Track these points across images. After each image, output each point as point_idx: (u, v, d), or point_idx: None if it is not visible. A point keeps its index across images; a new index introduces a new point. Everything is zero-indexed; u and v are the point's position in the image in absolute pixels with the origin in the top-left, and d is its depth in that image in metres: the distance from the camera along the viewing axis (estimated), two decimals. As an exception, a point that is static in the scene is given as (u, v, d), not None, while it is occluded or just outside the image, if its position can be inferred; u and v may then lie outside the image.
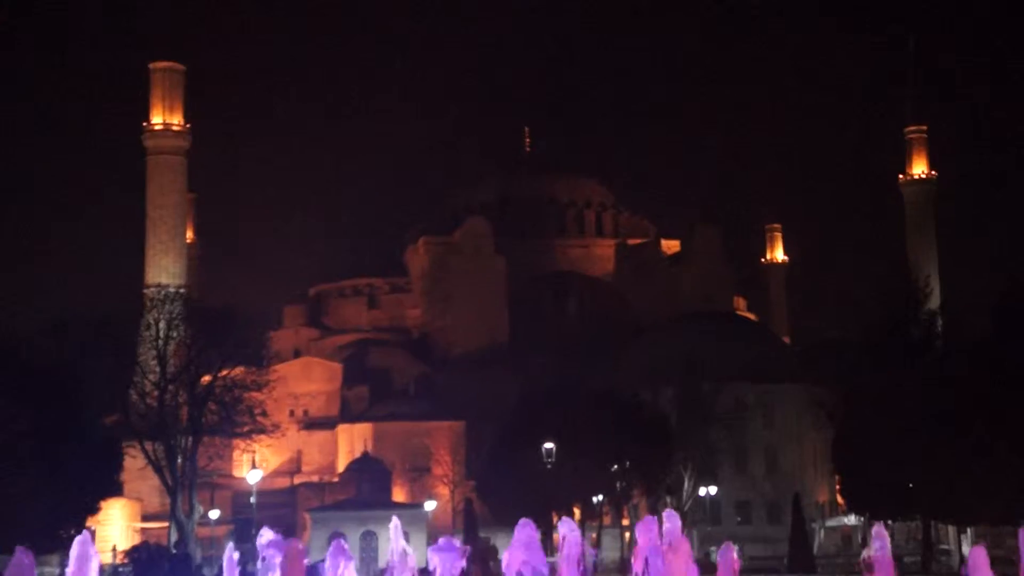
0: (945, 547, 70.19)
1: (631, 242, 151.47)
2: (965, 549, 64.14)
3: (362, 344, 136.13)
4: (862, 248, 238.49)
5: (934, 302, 66.47)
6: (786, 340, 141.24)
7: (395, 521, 28.27)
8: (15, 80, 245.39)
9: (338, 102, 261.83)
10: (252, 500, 75.84)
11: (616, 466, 76.45)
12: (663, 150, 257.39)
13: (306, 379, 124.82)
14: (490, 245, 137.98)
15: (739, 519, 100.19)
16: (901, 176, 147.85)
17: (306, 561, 26.29)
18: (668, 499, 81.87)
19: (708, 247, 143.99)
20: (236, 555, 29.89)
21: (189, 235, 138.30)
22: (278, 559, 25.81)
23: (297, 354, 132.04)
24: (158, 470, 70.54)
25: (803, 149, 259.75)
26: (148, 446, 69.66)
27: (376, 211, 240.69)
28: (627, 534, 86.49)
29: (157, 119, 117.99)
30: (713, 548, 72.89)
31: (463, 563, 27.14)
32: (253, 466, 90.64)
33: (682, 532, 23.10)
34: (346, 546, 27.00)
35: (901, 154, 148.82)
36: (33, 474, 45.21)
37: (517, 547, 24.83)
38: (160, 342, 71.45)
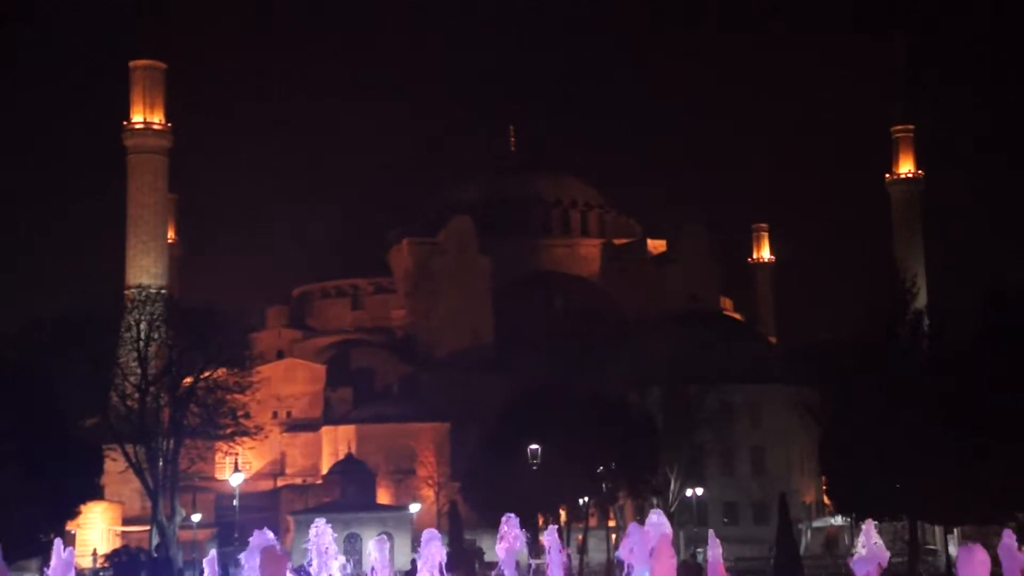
0: (932, 548, 70.54)
1: (617, 242, 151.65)
2: (952, 550, 64.48)
3: (346, 345, 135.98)
4: (849, 248, 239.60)
5: (920, 302, 66.55)
6: (772, 340, 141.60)
7: (380, 538, 28.36)
8: (3, 84, 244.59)
9: (322, 101, 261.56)
10: (235, 503, 75.74)
11: (602, 467, 76.46)
12: (650, 149, 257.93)
13: (289, 381, 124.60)
14: (475, 245, 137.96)
15: (726, 520, 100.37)
16: (888, 175, 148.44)
17: (289, 565, 26.16)
18: (655, 500, 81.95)
19: (695, 247, 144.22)
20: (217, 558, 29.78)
21: (170, 235, 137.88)
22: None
23: (280, 355, 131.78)
24: (139, 473, 70.43)
25: (790, 148, 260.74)
26: (129, 449, 69.56)
27: (360, 211, 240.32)
28: (613, 536, 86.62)
29: (137, 118, 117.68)
30: (699, 549, 73.06)
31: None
32: (236, 469, 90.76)
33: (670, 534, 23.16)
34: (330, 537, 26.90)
35: (888, 153, 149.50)
36: (11, 477, 45.02)
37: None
38: (141, 343, 71.40)
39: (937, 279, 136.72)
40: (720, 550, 28.21)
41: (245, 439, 78.47)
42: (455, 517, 75.41)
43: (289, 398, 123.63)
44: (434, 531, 27.50)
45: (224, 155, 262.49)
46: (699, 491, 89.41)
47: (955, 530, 65.22)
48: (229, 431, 75.47)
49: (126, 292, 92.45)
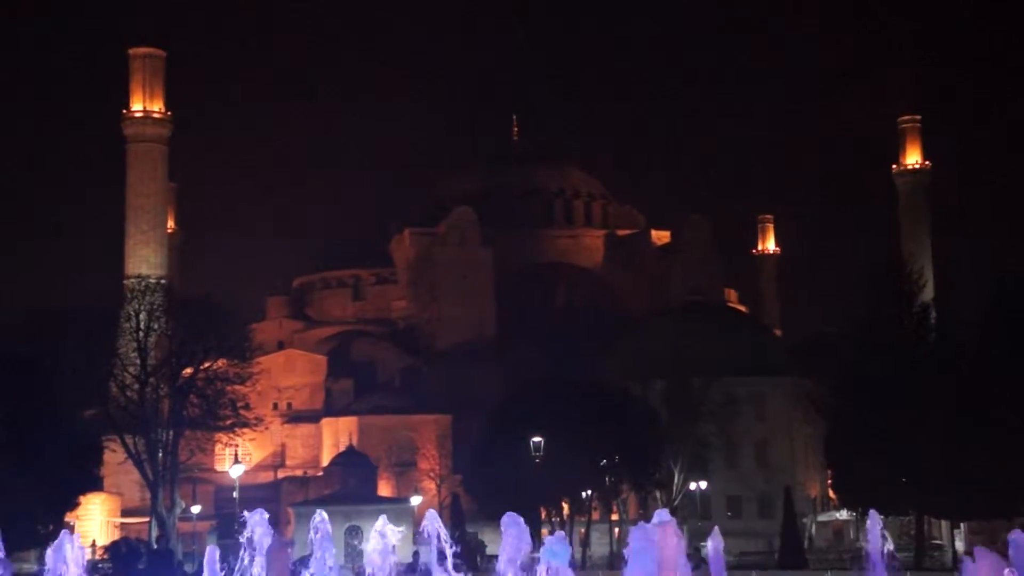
0: (938, 542, 70.53)
1: (620, 233, 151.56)
2: (959, 544, 64.53)
3: (346, 336, 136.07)
4: (855, 239, 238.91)
5: (927, 295, 66.54)
6: (777, 333, 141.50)
7: (382, 518, 28.20)
8: (10, 72, 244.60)
9: (324, 89, 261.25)
10: (235, 495, 75.74)
11: (605, 461, 76.49)
12: (654, 140, 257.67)
13: (290, 372, 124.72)
14: (477, 235, 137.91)
15: (730, 514, 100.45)
16: (894, 166, 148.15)
17: (290, 551, 26.13)
18: (658, 494, 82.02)
19: (699, 238, 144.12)
20: (217, 552, 29.71)
21: (170, 225, 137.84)
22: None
23: (280, 346, 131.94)
24: (139, 464, 70.43)
25: (795, 139, 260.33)
26: (128, 440, 69.55)
27: (361, 201, 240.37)
28: (616, 529, 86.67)
29: (137, 106, 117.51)
30: (702, 543, 73.09)
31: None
32: (236, 460, 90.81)
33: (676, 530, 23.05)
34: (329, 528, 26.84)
35: (895, 144, 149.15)
36: (9, 468, 45.09)
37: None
38: (141, 334, 71.35)
39: (944, 271, 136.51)
40: (722, 543, 28.14)
41: (245, 430, 78.47)
42: (457, 510, 75.57)
43: (289, 389, 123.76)
44: (433, 512, 27.41)
45: (225, 144, 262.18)
46: (702, 484, 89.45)
47: (962, 525, 65.25)
48: (229, 422, 75.47)
49: (125, 282, 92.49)
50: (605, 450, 75.40)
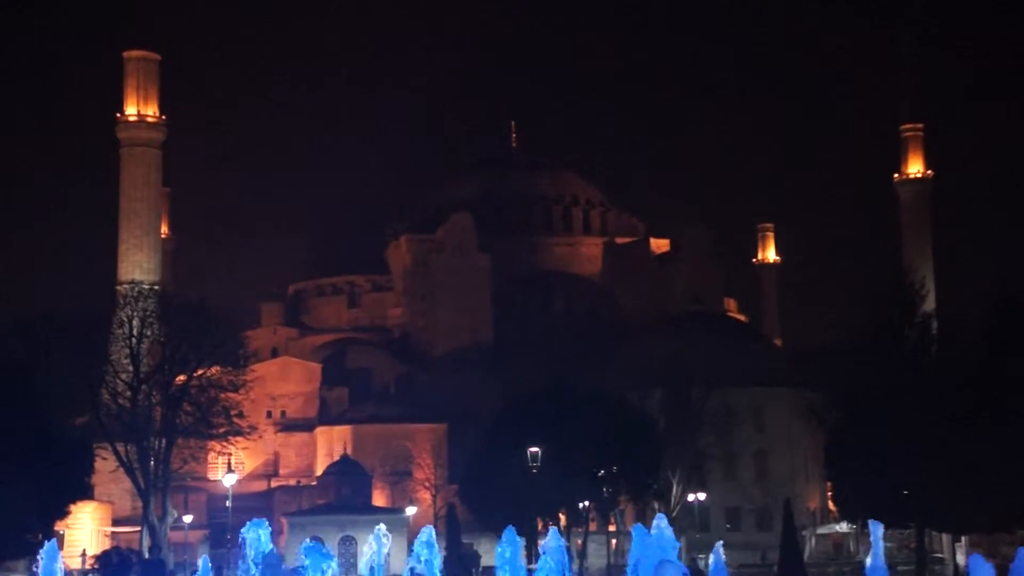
0: (939, 555, 70.46)
1: (619, 241, 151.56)
2: (960, 558, 64.44)
3: (342, 344, 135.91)
4: (856, 249, 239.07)
5: (929, 305, 66.55)
6: (777, 343, 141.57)
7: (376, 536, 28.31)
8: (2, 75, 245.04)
9: (319, 94, 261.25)
10: (228, 504, 75.72)
11: (602, 471, 76.42)
12: (653, 147, 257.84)
13: (284, 380, 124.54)
14: (474, 242, 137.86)
15: (728, 526, 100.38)
16: (896, 175, 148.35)
17: (284, 567, 26.16)
18: (656, 505, 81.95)
19: (698, 246, 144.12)
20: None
21: (164, 230, 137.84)
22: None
23: (275, 354, 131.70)
24: (130, 472, 70.43)
25: (797, 147, 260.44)
26: (120, 448, 69.59)
27: (357, 206, 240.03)
28: (613, 541, 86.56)
29: (131, 110, 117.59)
30: (701, 556, 72.95)
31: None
32: (229, 469, 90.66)
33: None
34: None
35: (897, 153, 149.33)
36: (1, 478, 44.95)
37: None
38: (133, 340, 71.45)
39: (946, 282, 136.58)
40: (723, 558, 28.22)
41: (239, 439, 78.56)
42: (452, 521, 75.34)
43: (284, 397, 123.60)
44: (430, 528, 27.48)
45: (219, 149, 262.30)
46: (701, 496, 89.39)
47: (963, 538, 65.17)
48: (222, 430, 75.56)
49: (118, 288, 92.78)
50: (603, 461, 75.34)
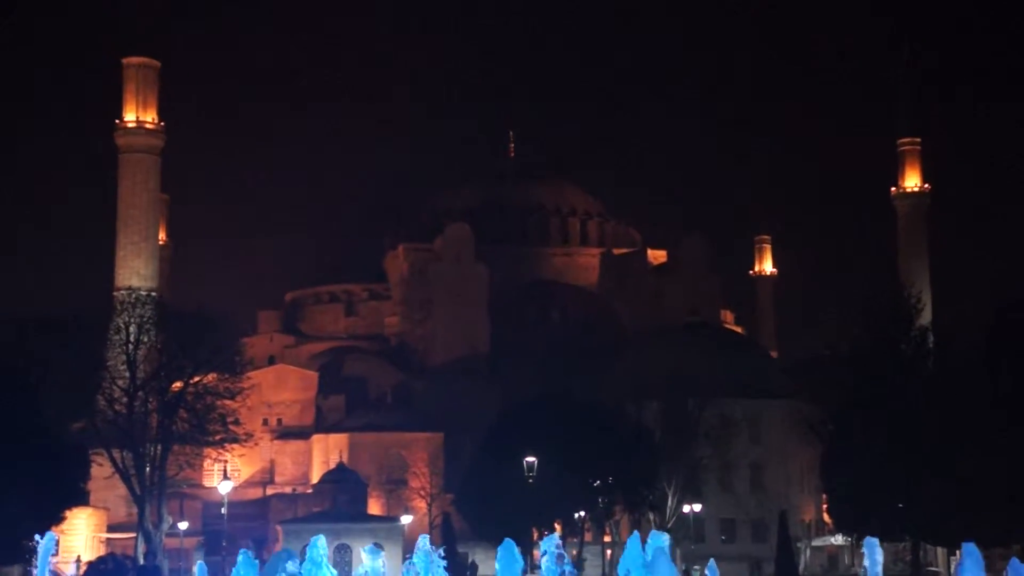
0: (934, 569, 70.42)
1: (616, 251, 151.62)
2: (953, 570, 64.35)
3: (338, 352, 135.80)
4: (853, 262, 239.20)
5: (925, 318, 66.71)
6: (774, 355, 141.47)
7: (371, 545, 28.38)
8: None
9: (317, 103, 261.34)
10: (223, 511, 75.44)
11: (599, 481, 76.42)
12: (651, 158, 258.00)
13: (280, 387, 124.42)
14: (472, 252, 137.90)
15: (723, 537, 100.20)
16: (893, 189, 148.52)
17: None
18: (651, 516, 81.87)
19: (695, 258, 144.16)
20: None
21: (161, 236, 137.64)
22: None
23: (271, 361, 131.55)
24: (126, 479, 70.31)
25: (795, 159, 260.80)
26: (116, 454, 69.48)
27: (355, 215, 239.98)
28: (608, 551, 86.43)
29: (130, 116, 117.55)
30: (696, 567, 72.89)
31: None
32: (225, 476, 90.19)
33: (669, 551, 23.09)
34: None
35: (894, 166, 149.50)
36: (-4, 482, 44.93)
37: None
38: (130, 346, 71.40)
39: (943, 294, 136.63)
40: (717, 571, 28.22)
41: (234, 446, 78.46)
42: (448, 530, 75.31)
43: (280, 405, 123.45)
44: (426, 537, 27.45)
45: (217, 155, 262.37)
46: (696, 507, 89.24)
47: (958, 552, 65.11)
48: (218, 438, 75.44)
49: (115, 294, 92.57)
50: (599, 471, 75.40)
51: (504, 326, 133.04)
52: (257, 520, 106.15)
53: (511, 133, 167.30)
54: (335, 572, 27.34)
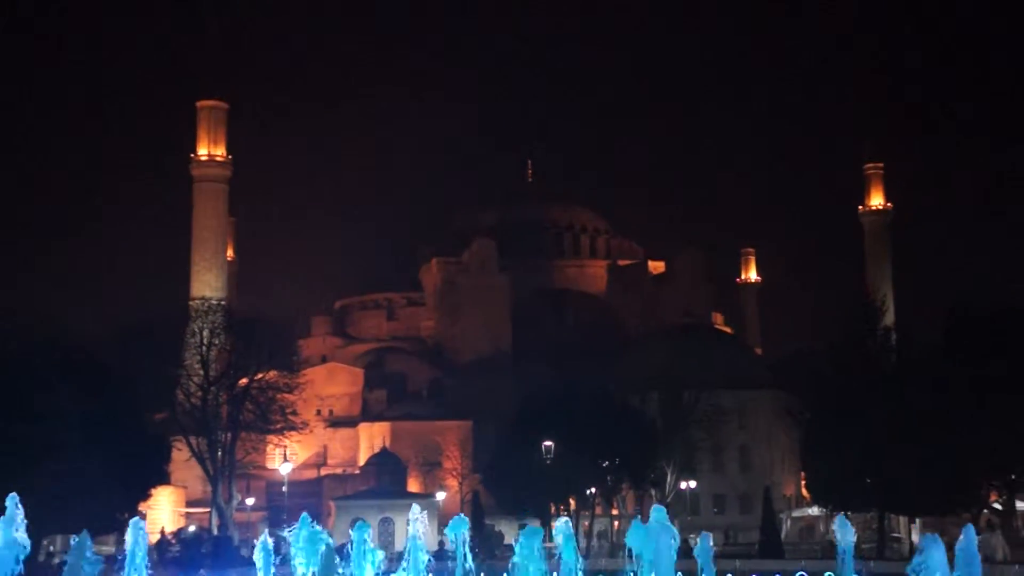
0: (897, 535, 70.29)
1: (621, 263, 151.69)
2: (915, 537, 64.29)
3: (381, 352, 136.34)
4: (827, 270, 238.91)
5: (889, 319, 66.59)
6: (759, 352, 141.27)
7: (414, 508, 28.42)
8: (88, 121, 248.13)
9: (360, 139, 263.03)
10: (283, 489, 76.07)
11: (607, 462, 76.50)
12: (652, 181, 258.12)
13: (331, 383, 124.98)
14: (495, 264, 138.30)
15: (715, 510, 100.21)
16: (860, 207, 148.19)
17: (331, 542, 26.32)
18: (653, 492, 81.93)
19: (690, 268, 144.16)
20: (271, 540, 29.94)
21: (229, 253, 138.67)
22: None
23: (323, 360, 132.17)
24: (201, 462, 70.87)
25: (776, 181, 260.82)
26: (193, 440, 70.03)
27: (395, 233, 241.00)
28: (616, 523, 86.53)
29: (203, 150, 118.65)
30: (692, 535, 72.83)
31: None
32: (284, 459, 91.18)
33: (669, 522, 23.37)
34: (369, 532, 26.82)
35: (861, 187, 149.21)
36: (93, 464, 45.47)
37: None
38: (203, 348, 71.95)
39: (905, 298, 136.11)
40: (711, 540, 28.48)
41: (292, 433, 78.86)
42: (477, 505, 75.56)
43: (331, 398, 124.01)
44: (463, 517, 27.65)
45: (277, 182, 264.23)
46: (692, 484, 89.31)
47: (917, 520, 65.09)
48: (279, 426, 75.84)
49: (191, 303, 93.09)
50: (607, 453, 75.43)
51: (523, 328, 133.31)
52: (312, 497, 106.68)
53: (529, 160, 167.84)
54: (380, 551, 27.27)
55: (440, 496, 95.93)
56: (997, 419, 49.61)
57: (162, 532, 68.31)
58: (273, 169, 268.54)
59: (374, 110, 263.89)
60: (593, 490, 79.15)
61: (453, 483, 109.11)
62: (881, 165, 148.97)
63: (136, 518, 27.55)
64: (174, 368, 70.02)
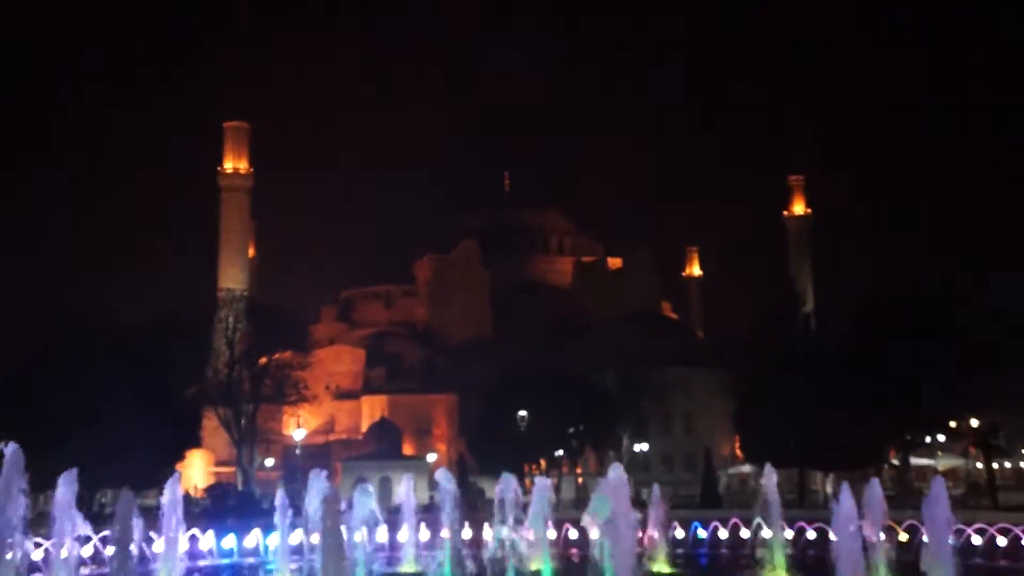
0: (814, 488, 71.43)
1: (585, 260, 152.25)
2: (828, 489, 65.43)
3: (380, 336, 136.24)
4: (757, 265, 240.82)
5: (808, 307, 67.58)
6: (700, 335, 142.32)
7: (405, 477, 28.93)
8: (134, 140, 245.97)
9: (362, 154, 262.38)
10: (297, 452, 76.25)
11: (572, 429, 77.04)
12: (615, 187, 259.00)
13: (337, 362, 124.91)
14: (478, 261, 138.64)
15: (664, 468, 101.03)
16: (785, 212, 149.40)
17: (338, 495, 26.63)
18: (611, 454, 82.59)
19: (643, 264, 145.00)
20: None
21: (251, 251, 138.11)
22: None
23: (331, 342, 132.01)
24: (227, 429, 71.07)
25: (714, 188, 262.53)
26: (220, 411, 70.17)
27: (393, 234, 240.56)
28: (580, 479, 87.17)
29: (228, 165, 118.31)
30: (644, 490, 73.58)
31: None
32: (298, 426, 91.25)
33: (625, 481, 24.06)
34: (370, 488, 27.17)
35: (786, 195, 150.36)
36: (136, 431, 45.73)
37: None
38: (229, 332, 72.10)
39: (823, 290, 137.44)
40: (659, 492, 29.24)
41: (305, 405, 79.20)
42: (462, 465, 76.04)
43: (337, 374, 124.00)
44: (446, 471, 28.16)
45: (293, 190, 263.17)
46: (644, 447, 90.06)
47: (830, 475, 66.18)
48: (293, 399, 76.12)
49: (218, 293, 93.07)
50: (572, 421, 75.95)
51: (502, 316, 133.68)
52: (322, 459, 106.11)
53: (506, 172, 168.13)
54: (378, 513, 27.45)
55: (431, 458, 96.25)
56: (895, 391, 50.61)
57: (195, 488, 68.38)
58: (291, 181, 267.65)
59: (377, 134, 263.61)
60: (560, 452, 79.71)
61: (442, 447, 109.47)
62: (802, 177, 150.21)
63: (175, 474, 27.96)
64: (204, 349, 70.08)
